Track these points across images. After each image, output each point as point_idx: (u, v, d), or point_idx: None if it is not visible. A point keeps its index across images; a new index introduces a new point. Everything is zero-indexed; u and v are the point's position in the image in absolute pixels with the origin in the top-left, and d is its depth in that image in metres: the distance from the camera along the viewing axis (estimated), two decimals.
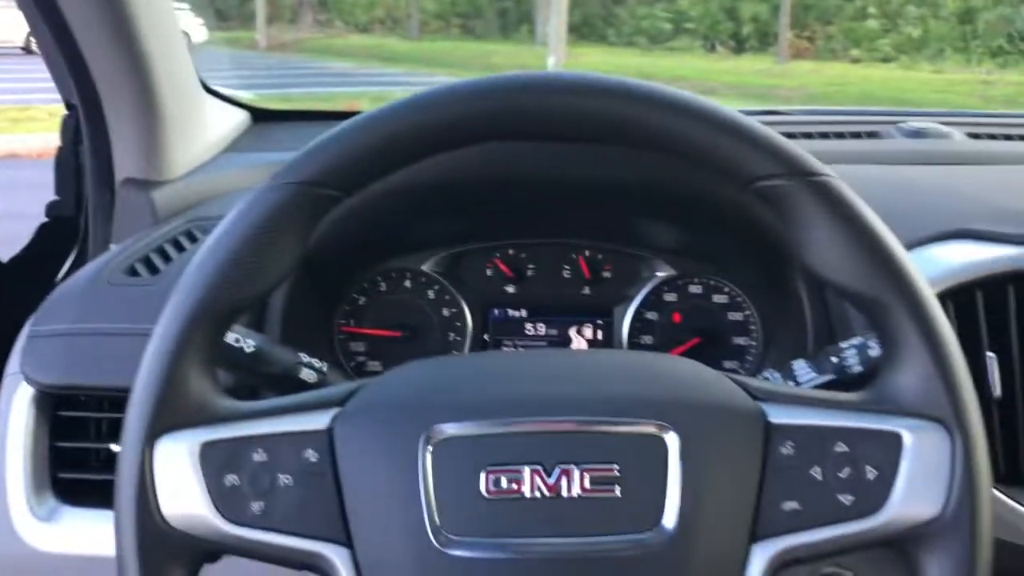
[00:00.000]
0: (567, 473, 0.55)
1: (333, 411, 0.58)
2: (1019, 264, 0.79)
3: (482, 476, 0.55)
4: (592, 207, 0.97)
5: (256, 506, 0.56)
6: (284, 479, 0.56)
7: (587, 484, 0.55)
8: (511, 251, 1.02)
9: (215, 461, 0.56)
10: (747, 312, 0.99)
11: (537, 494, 0.55)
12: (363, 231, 0.93)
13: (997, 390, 0.77)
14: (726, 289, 0.99)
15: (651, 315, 1.00)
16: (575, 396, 0.58)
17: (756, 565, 0.56)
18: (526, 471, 0.55)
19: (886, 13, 11.48)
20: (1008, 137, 1.23)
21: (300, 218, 0.60)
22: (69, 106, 1.11)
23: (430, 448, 0.56)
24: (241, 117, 1.31)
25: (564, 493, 0.55)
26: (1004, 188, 1.01)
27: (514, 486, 0.55)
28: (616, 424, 0.57)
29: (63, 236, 1.17)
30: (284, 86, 8.13)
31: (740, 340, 0.99)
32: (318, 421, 0.58)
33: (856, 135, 1.21)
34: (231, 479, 0.56)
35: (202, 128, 1.16)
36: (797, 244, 0.60)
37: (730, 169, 0.60)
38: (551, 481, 0.55)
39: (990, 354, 0.77)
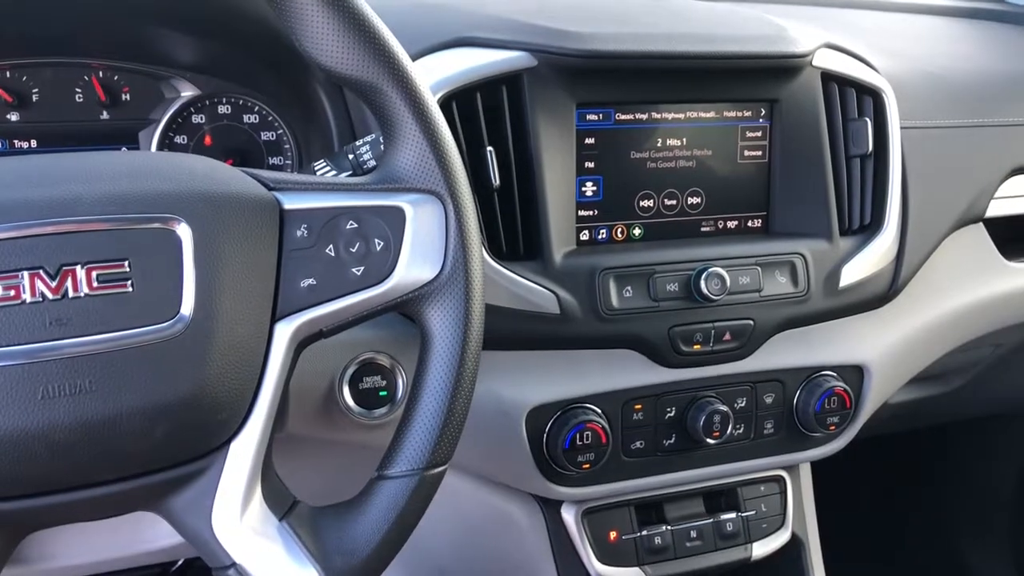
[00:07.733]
0: (71, 273, 0.53)
1: None
2: (509, 67, 0.89)
3: None
4: (101, 20, 0.89)
5: None
6: None
7: (95, 282, 0.54)
8: (8, 73, 0.92)
9: None
10: (279, 131, 0.99)
11: (39, 298, 0.53)
12: None
13: (496, 180, 0.87)
14: (256, 107, 0.99)
15: (180, 139, 0.97)
16: (80, 196, 0.55)
17: (280, 340, 0.60)
18: (25, 276, 0.52)
19: None
20: None
21: None
22: None
23: None
24: None
25: (70, 294, 0.53)
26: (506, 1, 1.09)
27: (12, 292, 0.52)
28: (121, 221, 0.55)
29: None
30: None
31: (275, 159, 1.00)
32: None
33: None
34: None
35: None
36: (298, 36, 0.62)
37: None
38: (54, 284, 0.53)
39: (489, 148, 0.87)
